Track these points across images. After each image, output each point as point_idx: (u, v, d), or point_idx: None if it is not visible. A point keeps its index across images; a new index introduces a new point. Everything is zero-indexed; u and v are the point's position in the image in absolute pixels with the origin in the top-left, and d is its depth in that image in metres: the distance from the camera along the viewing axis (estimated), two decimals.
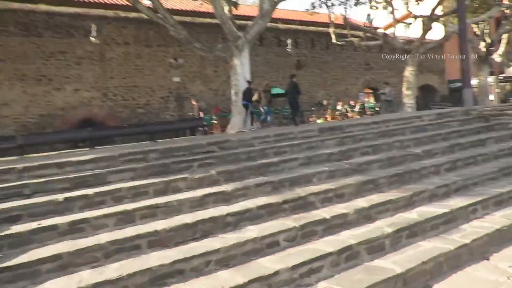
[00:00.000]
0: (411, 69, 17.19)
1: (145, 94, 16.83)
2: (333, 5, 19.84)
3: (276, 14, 25.46)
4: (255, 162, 4.63)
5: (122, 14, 16.16)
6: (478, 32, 21.83)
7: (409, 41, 19.35)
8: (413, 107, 17.06)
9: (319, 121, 17.22)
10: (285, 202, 3.70)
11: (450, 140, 6.30)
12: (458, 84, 31.36)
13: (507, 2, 18.33)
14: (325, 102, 19.96)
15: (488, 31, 21.27)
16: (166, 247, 3.04)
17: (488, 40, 21.09)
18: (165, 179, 3.92)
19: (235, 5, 14.32)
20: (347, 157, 5.11)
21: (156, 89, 17.03)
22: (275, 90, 17.60)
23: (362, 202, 3.92)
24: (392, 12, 18.49)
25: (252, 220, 3.46)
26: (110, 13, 16.09)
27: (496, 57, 22.40)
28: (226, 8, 12.30)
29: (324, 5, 19.49)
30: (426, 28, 16.82)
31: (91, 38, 14.37)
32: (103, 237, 3.05)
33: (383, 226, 3.54)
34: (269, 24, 20.99)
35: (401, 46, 17.45)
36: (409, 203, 4.07)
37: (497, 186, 4.72)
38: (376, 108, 18.56)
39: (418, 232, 3.58)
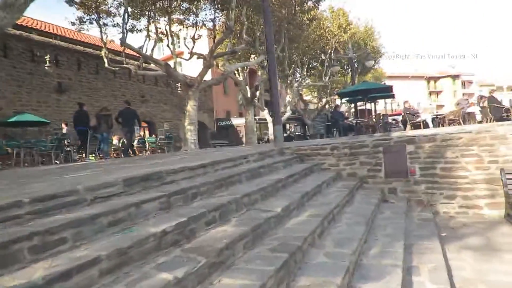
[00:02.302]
0: (193, 104, 16.38)
1: None
2: (105, 25, 17.18)
3: (30, 23, 20.23)
4: None
5: None
6: (240, 78, 23.85)
7: (190, 77, 18.85)
8: (195, 142, 16.24)
9: (91, 157, 13.78)
10: None
11: (290, 187, 5.01)
12: (225, 123, 34.13)
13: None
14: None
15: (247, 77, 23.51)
16: None
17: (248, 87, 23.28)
18: None
19: None
20: (190, 235, 2.81)
21: None
22: (28, 117, 13.00)
23: None
24: (171, 44, 17.52)
25: None
26: None
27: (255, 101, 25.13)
28: None
29: (95, 23, 16.58)
30: (208, 64, 16.56)
31: None
32: None
33: None
34: (20, 32, 16.11)
35: (183, 80, 16.46)
36: None
37: (393, 259, 3.53)
38: (159, 144, 16.61)
39: None
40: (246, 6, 17.56)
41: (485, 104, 13.25)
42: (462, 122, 13.41)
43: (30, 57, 16.25)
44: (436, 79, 72.72)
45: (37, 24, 20.95)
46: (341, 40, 27.86)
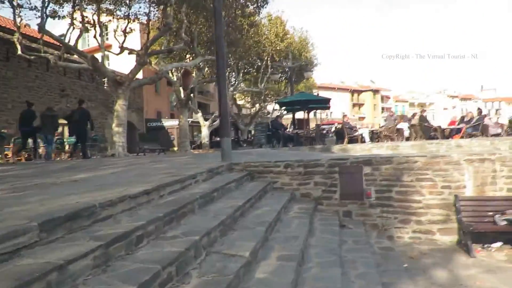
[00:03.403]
0: (122, 103, 14.88)
1: None
2: (20, 6, 14.93)
3: None
4: None
5: None
6: (174, 79, 22.50)
7: (120, 73, 17.23)
8: (124, 146, 14.77)
9: None
10: None
11: (248, 215, 4.34)
12: (155, 124, 32.29)
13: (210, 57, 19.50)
14: (6, 130, 14.28)
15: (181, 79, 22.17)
16: None
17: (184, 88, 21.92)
18: None
19: None
20: None
21: None
22: None
23: None
24: (99, 36, 15.83)
25: None
26: None
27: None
28: None
29: (7, 2, 14.28)
30: (141, 62, 15.19)
31: None
32: None
33: None
34: None
35: (112, 76, 14.88)
36: None
37: None
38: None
39: None
40: (185, 4, 16.53)
41: (415, 122, 13.96)
42: (394, 138, 13.95)
43: None
44: (359, 92, 77.69)
45: None
46: (278, 48, 28.04)
